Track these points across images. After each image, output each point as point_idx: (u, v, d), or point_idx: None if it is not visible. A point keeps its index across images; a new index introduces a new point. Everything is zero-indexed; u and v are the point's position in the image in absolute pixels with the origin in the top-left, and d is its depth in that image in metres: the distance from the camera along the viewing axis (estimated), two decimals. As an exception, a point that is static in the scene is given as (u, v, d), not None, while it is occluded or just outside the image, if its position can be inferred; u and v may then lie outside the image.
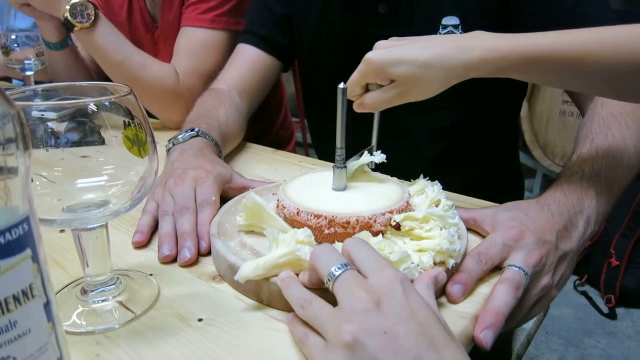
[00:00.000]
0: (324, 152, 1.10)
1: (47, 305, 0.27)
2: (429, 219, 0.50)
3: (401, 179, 0.78)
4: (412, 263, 0.45)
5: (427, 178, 0.62)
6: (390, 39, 0.57)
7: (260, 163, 0.87)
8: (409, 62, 0.53)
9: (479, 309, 0.47)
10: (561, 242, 0.55)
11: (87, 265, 0.46)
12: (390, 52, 0.54)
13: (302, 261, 0.44)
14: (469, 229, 0.58)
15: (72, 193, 0.44)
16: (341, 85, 0.52)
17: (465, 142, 0.94)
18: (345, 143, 0.55)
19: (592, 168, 0.62)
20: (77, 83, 0.48)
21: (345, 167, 0.55)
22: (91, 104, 0.41)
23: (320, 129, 1.09)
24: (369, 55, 0.55)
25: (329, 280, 0.38)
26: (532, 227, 0.54)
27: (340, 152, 0.55)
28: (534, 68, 0.54)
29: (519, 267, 0.50)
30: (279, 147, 1.28)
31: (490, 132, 0.96)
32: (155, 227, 0.60)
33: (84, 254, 0.45)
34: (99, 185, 0.44)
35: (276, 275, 0.45)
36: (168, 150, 0.77)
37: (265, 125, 1.25)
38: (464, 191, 0.90)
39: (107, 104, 0.41)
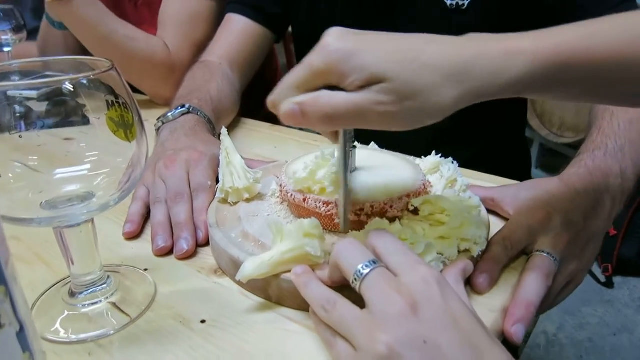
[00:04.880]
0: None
1: (21, 333, 0.22)
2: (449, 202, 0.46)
3: (406, 153, 0.73)
4: (437, 253, 0.41)
5: (440, 155, 0.57)
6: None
7: (257, 140, 0.81)
8: (399, 62, 0.33)
9: (508, 300, 0.43)
10: (588, 224, 0.51)
11: (72, 263, 0.41)
12: (365, 37, 0.35)
13: (311, 256, 0.40)
14: (487, 210, 0.53)
15: (51, 185, 0.38)
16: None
17: (473, 112, 0.89)
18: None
19: (616, 143, 0.58)
20: (51, 58, 0.42)
21: (355, 147, 0.50)
22: (67, 83, 0.35)
23: None
24: (328, 40, 0.34)
25: (355, 279, 0.33)
26: (558, 208, 0.50)
27: (348, 130, 0.50)
28: (564, 77, 0.37)
29: (548, 253, 0.46)
30: (274, 121, 1.22)
31: (499, 101, 0.91)
32: (147, 215, 0.55)
33: (67, 251, 0.40)
34: (82, 175, 0.39)
35: (283, 273, 0.40)
36: (158, 130, 0.71)
37: (260, 98, 1.18)
38: (470, 163, 0.86)
39: (85, 82, 0.36)
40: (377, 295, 0.32)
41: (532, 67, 0.35)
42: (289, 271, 0.40)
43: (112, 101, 0.40)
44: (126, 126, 0.41)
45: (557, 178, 0.55)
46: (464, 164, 0.68)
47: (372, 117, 0.33)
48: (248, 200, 0.53)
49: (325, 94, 0.33)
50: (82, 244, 0.40)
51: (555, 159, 2.48)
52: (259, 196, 0.54)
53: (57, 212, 0.36)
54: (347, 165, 0.38)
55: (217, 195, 0.53)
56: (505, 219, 0.54)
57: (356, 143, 0.51)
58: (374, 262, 0.34)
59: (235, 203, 0.53)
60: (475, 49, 0.35)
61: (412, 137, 0.89)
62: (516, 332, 0.41)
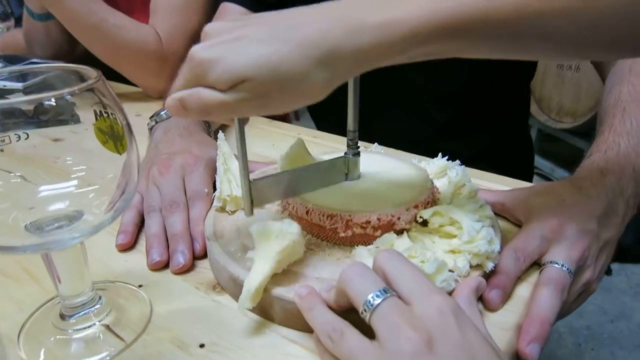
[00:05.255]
0: (321, 119, 1.02)
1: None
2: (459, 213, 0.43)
3: (408, 149, 0.71)
4: (449, 271, 0.38)
5: (447, 157, 0.55)
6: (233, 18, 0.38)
7: (254, 137, 0.78)
8: (258, 61, 0.34)
9: (521, 316, 0.41)
10: (602, 230, 0.49)
11: (59, 282, 0.38)
12: (226, 44, 0.35)
13: (297, 246, 0.39)
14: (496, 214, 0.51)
15: (36, 204, 0.36)
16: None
17: (475, 107, 0.86)
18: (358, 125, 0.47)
19: (629, 142, 0.55)
20: (36, 66, 0.39)
21: (359, 153, 0.48)
22: (52, 100, 0.32)
23: None
24: (194, 50, 0.37)
25: (365, 310, 0.31)
26: (571, 216, 0.47)
27: (352, 135, 0.47)
28: (455, 39, 0.36)
29: (562, 265, 0.44)
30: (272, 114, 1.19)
31: (502, 96, 0.88)
32: (141, 224, 0.53)
33: (54, 271, 0.38)
34: (68, 192, 0.36)
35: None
36: (151, 129, 0.68)
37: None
38: (472, 160, 0.83)
39: (69, 97, 0.33)
40: (390, 330, 0.30)
41: (413, 38, 0.35)
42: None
43: (100, 111, 0.37)
44: (116, 138, 0.38)
45: (569, 182, 0.53)
46: (467, 159, 0.65)
47: (241, 111, 0.36)
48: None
49: (199, 93, 0.36)
50: (71, 264, 0.38)
51: (554, 144, 2.47)
52: (258, 203, 0.52)
53: (45, 237, 0.34)
54: (243, 145, 0.40)
55: (215, 203, 0.50)
56: (515, 224, 0.52)
57: (360, 147, 0.48)
58: (385, 291, 0.31)
59: (234, 211, 0.51)
60: (346, 26, 0.34)
61: (413, 133, 0.86)
62: (531, 352, 0.39)
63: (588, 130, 2.15)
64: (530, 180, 1.00)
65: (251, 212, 0.43)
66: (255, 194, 0.42)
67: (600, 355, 1.50)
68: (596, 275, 0.49)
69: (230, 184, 0.50)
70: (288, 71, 0.34)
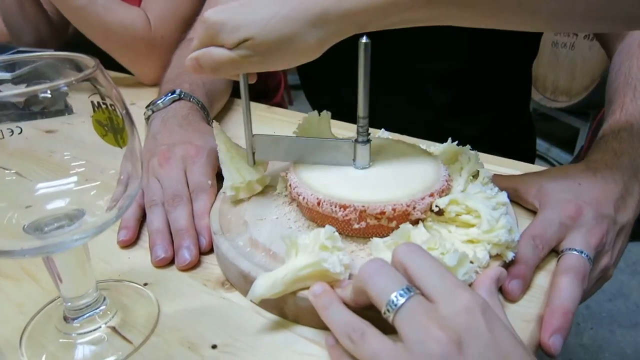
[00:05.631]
0: (321, 106, 1.00)
1: None
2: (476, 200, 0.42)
3: (413, 130, 0.69)
4: (470, 262, 0.37)
5: (457, 142, 0.53)
6: None
7: (253, 124, 0.76)
8: (260, 22, 0.39)
9: (541, 306, 0.40)
10: (619, 214, 0.47)
11: (61, 282, 0.36)
12: (234, 8, 0.41)
13: (329, 273, 0.36)
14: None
15: (34, 202, 0.34)
16: (364, 39, 0.42)
17: (477, 88, 0.84)
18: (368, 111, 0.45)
19: None
20: (30, 54, 0.36)
21: (370, 140, 0.46)
22: (47, 91, 0.30)
23: (310, 77, 0.98)
24: (206, 14, 0.42)
25: (388, 310, 0.29)
26: (588, 200, 0.46)
27: (363, 122, 0.45)
28: (435, 6, 0.40)
29: (581, 251, 0.43)
30: (266, 98, 1.17)
31: (504, 75, 0.86)
32: (143, 218, 0.51)
33: (55, 271, 0.35)
34: (67, 190, 0.34)
35: (300, 290, 0.36)
36: (147, 119, 0.66)
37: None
38: (474, 141, 0.82)
39: (65, 88, 0.31)
40: (416, 331, 0.28)
41: (395, 5, 0.39)
42: (306, 287, 0.37)
43: (98, 103, 0.35)
44: (116, 130, 0.36)
45: (583, 164, 0.51)
46: (469, 140, 0.64)
47: (246, 67, 0.42)
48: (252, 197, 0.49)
49: (211, 51, 0.42)
50: (73, 265, 0.36)
51: (549, 124, 2.46)
52: (265, 193, 0.50)
53: (45, 240, 0.32)
54: (247, 99, 0.46)
55: (228, 194, 0.48)
56: (529, 210, 0.51)
57: (370, 134, 0.46)
58: (409, 290, 0.30)
59: (240, 202, 0.49)
60: None
61: (415, 115, 0.84)
62: (554, 343, 0.38)
63: (583, 109, 2.14)
64: (532, 161, 0.98)
65: (253, 162, 0.49)
66: (258, 148, 0.49)
67: (599, 333, 1.51)
68: (613, 260, 0.48)
69: (240, 172, 0.48)
70: (284, 31, 0.39)
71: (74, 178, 0.34)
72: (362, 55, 0.42)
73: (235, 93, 0.85)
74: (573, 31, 0.53)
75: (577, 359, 1.44)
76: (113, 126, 0.35)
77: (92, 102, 0.35)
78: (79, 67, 0.35)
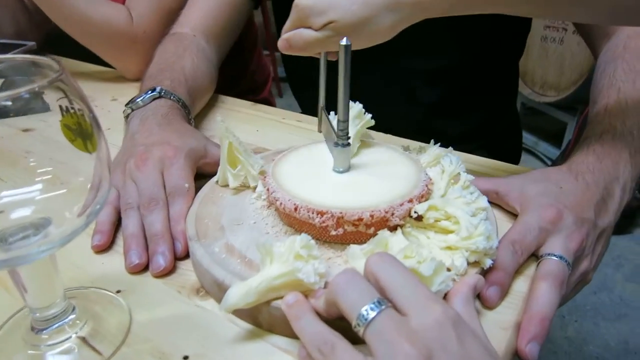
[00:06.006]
0: (306, 101, 0.99)
1: None
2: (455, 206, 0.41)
3: (399, 128, 0.68)
4: (448, 270, 0.36)
5: (439, 144, 0.53)
6: None
7: (237, 122, 0.75)
8: (343, 7, 0.45)
9: (519, 313, 0.40)
10: (599, 218, 0.47)
11: (26, 291, 0.35)
12: None
13: (304, 283, 0.35)
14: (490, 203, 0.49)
15: (-2, 211, 0.33)
16: (344, 41, 0.41)
17: (465, 86, 0.84)
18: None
19: (625, 124, 0.53)
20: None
21: (349, 144, 0.45)
22: (7, 100, 0.29)
23: (298, 75, 0.97)
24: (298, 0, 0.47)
25: (358, 324, 0.29)
26: (569, 204, 0.46)
27: (342, 125, 0.44)
28: None
29: (560, 257, 0.43)
30: (254, 93, 1.15)
31: (492, 73, 0.86)
32: (118, 222, 0.49)
33: (19, 280, 0.34)
34: (31, 198, 0.33)
35: (274, 299, 0.36)
36: (127, 117, 0.64)
37: (238, 71, 1.10)
38: (461, 139, 0.81)
39: (26, 96, 0.29)
40: (386, 346, 0.27)
41: None
42: (281, 297, 0.36)
43: (67, 107, 0.34)
44: (85, 135, 0.35)
45: (565, 167, 0.51)
46: (458, 138, 0.63)
47: (330, 45, 0.48)
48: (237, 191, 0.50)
49: (301, 32, 0.48)
50: (39, 276, 0.35)
51: (537, 118, 2.46)
52: (243, 196, 0.49)
53: (9, 252, 0.31)
54: (325, 74, 0.51)
55: (253, 186, 0.50)
56: (510, 213, 0.50)
57: (351, 138, 0.45)
58: (380, 303, 0.29)
59: (219, 200, 0.48)
60: None
61: (405, 113, 0.84)
62: (531, 350, 0.37)
63: (571, 104, 2.15)
64: (518, 156, 0.98)
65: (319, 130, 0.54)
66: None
67: (584, 326, 1.52)
68: (593, 265, 0.48)
69: (252, 166, 0.50)
70: (363, 14, 0.45)
71: (39, 186, 0.33)
72: (342, 57, 0.41)
73: (219, 90, 0.83)
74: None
75: (561, 351, 1.45)
76: (82, 131, 0.34)
77: (60, 106, 0.33)
78: (43, 71, 0.34)
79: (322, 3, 0.46)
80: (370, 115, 0.53)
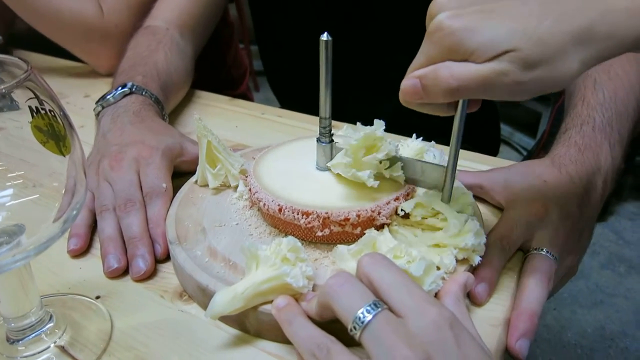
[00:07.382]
0: (285, 95, 0.97)
1: None
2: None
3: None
4: (437, 268, 0.36)
5: (421, 138, 0.52)
6: None
7: (214, 118, 0.73)
8: (524, 32, 0.31)
9: (508, 309, 0.39)
10: (583, 211, 0.47)
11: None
12: (476, 13, 0.32)
13: (292, 287, 0.34)
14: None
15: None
16: (324, 36, 0.40)
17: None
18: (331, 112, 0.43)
19: (603, 116, 0.54)
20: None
21: (332, 141, 0.44)
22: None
23: (277, 69, 0.95)
24: (441, 19, 0.32)
25: (354, 328, 0.28)
26: (554, 199, 0.46)
27: (325, 122, 0.43)
28: None
29: (547, 252, 0.43)
30: (231, 88, 1.13)
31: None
32: (95, 225, 0.48)
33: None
34: (2, 204, 0.31)
35: (261, 304, 0.35)
36: (97, 115, 0.62)
37: (214, 65, 1.08)
38: (442, 133, 0.81)
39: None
40: (384, 349, 0.27)
41: None
42: (268, 302, 0.35)
43: (37, 108, 0.32)
44: (57, 137, 0.33)
45: (548, 160, 0.51)
46: (439, 131, 0.62)
47: (499, 88, 0.32)
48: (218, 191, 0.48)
49: (446, 66, 0.32)
50: (13, 285, 0.33)
51: (513, 109, 2.49)
52: (225, 196, 0.48)
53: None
54: (460, 135, 0.38)
55: (234, 186, 0.48)
56: (495, 207, 0.50)
57: (334, 134, 0.44)
58: (376, 305, 0.28)
59: (199, 200, 0.46)
60: (599, 6, 0.32)
61: (387, 107, 0.83)
62: (521, 347, 0.37)
63: (546, 95, 2.18)
64: (497, 146, 0.99)
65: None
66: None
67: (562, 313, 1.55)
68: (578, 258, 0.48)
69: (232, 165, 0.49)
70: (551, 44, 0.31)
71: (10, 191, 0.32)
72: (322, 53, 0.40)
73: (195, 84, 0.81)
74: None
75: (540, 339, 1.48)
76: (54, 133, 0.33)
77: (30, 107, 0.32)
78: (10, 71, 0.32)
79: (488, 25, 0.32)
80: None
